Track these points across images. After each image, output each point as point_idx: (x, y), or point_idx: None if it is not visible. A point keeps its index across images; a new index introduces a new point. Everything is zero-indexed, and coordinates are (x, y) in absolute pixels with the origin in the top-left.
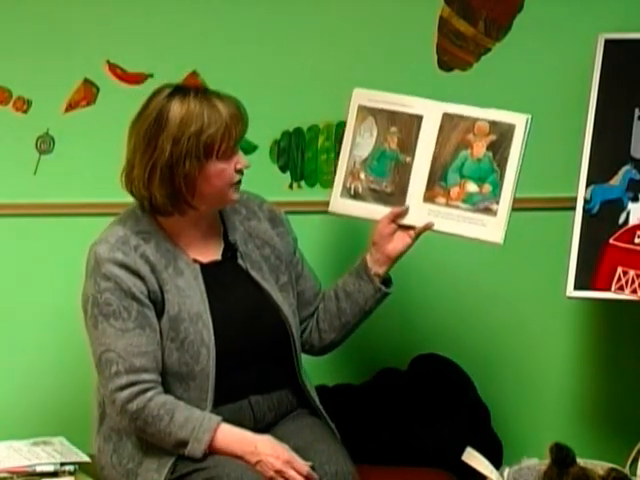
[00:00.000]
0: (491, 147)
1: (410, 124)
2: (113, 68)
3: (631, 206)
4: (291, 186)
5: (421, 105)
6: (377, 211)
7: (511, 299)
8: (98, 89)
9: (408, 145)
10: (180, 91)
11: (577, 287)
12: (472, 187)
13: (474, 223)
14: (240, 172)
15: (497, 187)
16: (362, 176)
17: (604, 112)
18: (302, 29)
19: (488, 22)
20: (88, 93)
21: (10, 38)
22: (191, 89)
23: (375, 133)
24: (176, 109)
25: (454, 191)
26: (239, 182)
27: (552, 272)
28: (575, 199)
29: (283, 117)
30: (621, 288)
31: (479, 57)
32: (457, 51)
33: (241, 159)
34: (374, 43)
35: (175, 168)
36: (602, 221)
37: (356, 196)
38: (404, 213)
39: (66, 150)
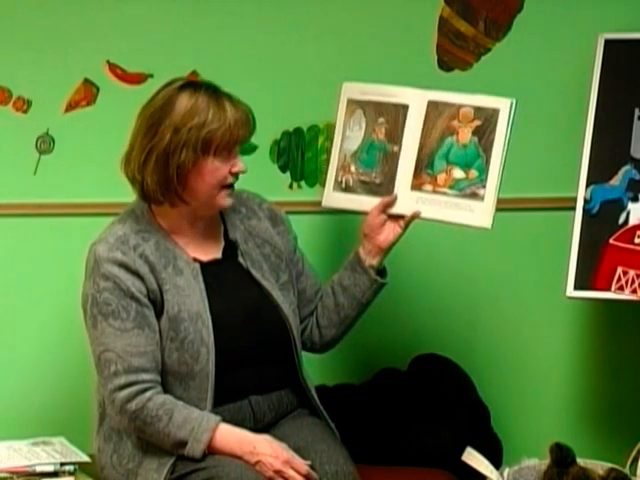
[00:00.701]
0: (476, 132)
1: (396, 114)
2: (113, 68)
3: (631, 206)
4: (291, 186)
5: (407, 94)
6: (368, 202)
7: (511, 299)
8: (98, 89)
9: (395, 135)
10: (192, 85)
11: (577, 287)
12: (458, 173)
13: (462, 209)
14: (235, 175)
15: (483, 172)
16: (352, 169)
17: (604, 112)
18: (302, 29)
19: (488, 22)
20: (88, 93)
21: (10, 38)
22: (203, 85)
23: (364, 125)
24: (184, 100)
25: (441, 178)
26: (231, 186)
27: (552, 272)
28: (575, 199)
29: (283, 117)
30: (621, 288)
31: (479, 57)
32: (457, 51)
33: (238, 163)
34: (374, 43)
35: (171, 157)
36: (602, 221)
37: (347, 189)
38: (393, 202)
39: (66, 150)
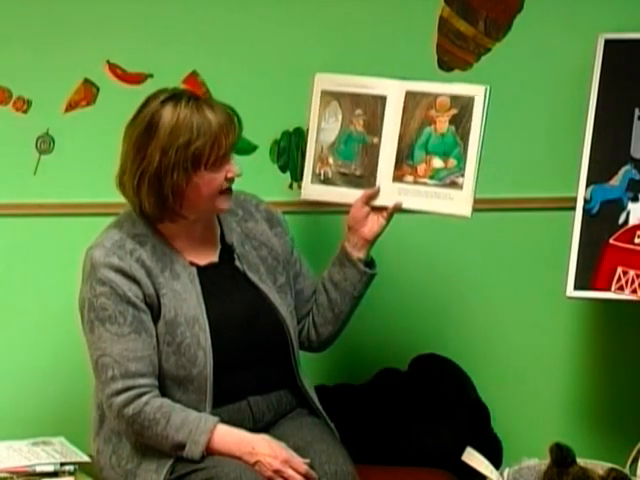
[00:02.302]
0: (453, 121)
1: (374, 105)
2: (113, 68)
3: (631, 206)
4: (291, 186)
5: (384, 85)
6: (349, 194)
7: (512, 299)
8: (98, 89)
9: (374, 126)
10: (173, 98)
11: (577, 287)
12: (438, 162)
13: (442, 198)
14: (230, 180)
15: (461, 160)
16: (331, 161)
17: (604, 112)
18: (301, 29)
19: (488, 22)
20: (88, 93)
21: (10, 38)
22: (184, 96)
23: (340, 117)
24: (167, 118)
25: (421, 168)
26: (229, 190)
27: (552, 272)
28: (575, 199)
29: (283, 117)
30: (621, 288)
31: (479, 57)
32: (457, 51)
33: (232, 168)
34: (374, 43)
35: (163, 178)
36: (602, 221)
37: (326, 181)
38: (376, 194)
39: (66, 150)
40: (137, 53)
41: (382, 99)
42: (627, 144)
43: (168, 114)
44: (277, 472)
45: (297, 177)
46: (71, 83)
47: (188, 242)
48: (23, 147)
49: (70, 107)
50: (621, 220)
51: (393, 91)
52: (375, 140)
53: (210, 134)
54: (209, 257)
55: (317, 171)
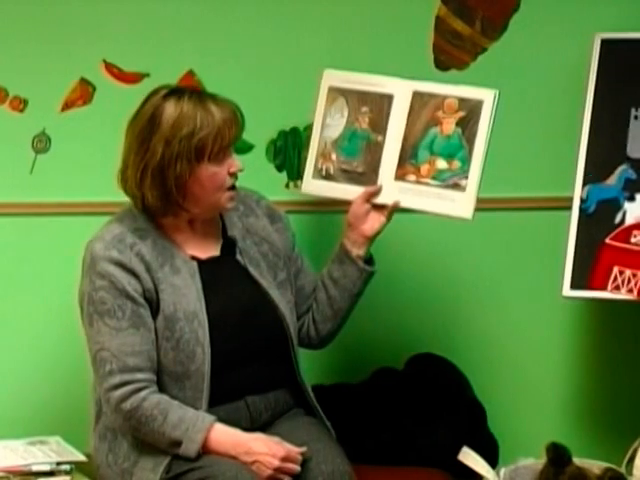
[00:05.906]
0: (460, 123)
1: (381, 103)
2: (110, 67)
3: (627, 206)
4: (287, 185)
5: (392, 84)
6: (349, 191)
7: (508, 298)
8: (94, 88)
9: (379, 124)
10: (176, 93)
11: (573, 287)
12: (441, 164)
13: (443, 199)
14: (234, 176)
15: (466, 163)
16: (333, 157)
17: (600, 112)
18: (298, 29)
19: (484, 21)
20: (84, 92)
21: (7, 37)
22: (187, 91)
23: (346, 114)
24: (169, 111)
25: (424, 168)
26: (233, 187)
27: (549, 271)
28: (571, 199)
29: (280, 116)
30: (617, 288)
31: (476, 56)
32: (454, 50)
33: (235, 162)
34: (371, 43)
35: (166, 170)
36: (598, 221)
37: (328, 177)
38: (377, 192)
39: (62, 149)
40: (134, 52)
41: (389, 98)
42: (623, 144)
43: (171, 107)
44: (278, 470)
45: (293, 176)
46: (67, 82)
47: (190, 235)
48: (19, 146)
49: (66, 106)
50: (617, 220)
51: (400, 90)
52: (379, 138)
53: (213, 126)
54: (211, 251)
55: (319, 166)
